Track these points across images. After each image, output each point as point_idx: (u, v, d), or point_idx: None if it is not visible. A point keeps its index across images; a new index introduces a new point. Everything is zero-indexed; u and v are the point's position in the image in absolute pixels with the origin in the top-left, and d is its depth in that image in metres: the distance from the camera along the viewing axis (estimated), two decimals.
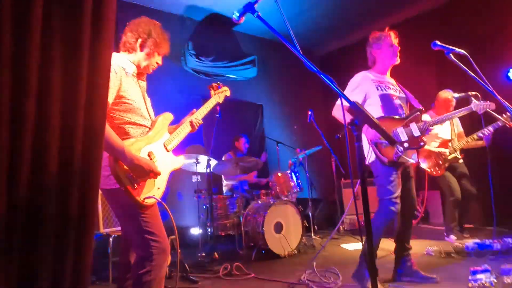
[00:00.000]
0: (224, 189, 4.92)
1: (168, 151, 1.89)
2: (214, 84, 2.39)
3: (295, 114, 6.42)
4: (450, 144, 4.01)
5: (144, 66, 1.86)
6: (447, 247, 3.40)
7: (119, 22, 1.43)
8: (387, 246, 3.41)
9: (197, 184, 4.18)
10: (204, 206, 4.21)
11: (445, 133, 4.09)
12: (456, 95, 3.85)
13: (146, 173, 1.66)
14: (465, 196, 4.00)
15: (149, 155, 1.74)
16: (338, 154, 5.10)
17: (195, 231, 4.54)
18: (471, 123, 4.19)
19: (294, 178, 4.25)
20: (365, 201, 1.25)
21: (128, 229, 1.79)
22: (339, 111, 2.63)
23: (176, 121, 2.05)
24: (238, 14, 1.51)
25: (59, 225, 0.94)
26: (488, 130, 3.68)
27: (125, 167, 1.61)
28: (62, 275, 0.94)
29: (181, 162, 1.98)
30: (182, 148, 4.75)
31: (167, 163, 1.86)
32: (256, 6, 1.48)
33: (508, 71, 4.53)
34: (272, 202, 3.88)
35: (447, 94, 4.01)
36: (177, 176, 3.42)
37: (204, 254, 3.82)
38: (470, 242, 3.31)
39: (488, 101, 2.99)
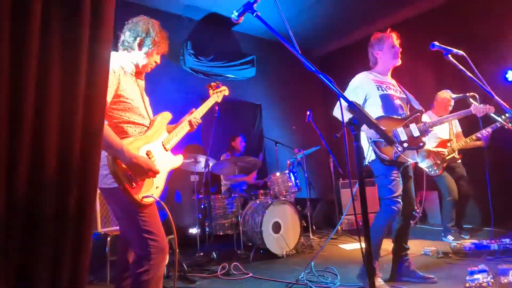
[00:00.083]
0: (223, 189, 4.92)
1: (166, 150, 1.89)
2: (212, 84, 2.39)
3: (294, 114, 6.43)
4: (449, 144, 4.02)
5: (142, 65, 1.85)
6: (444, 247, 3.41)
7: (118, 21, 1.43)
8: (385, 246, 3.40)
9: (196, 183, 4.17)
10: (202, 206, 4.21)
11: (443, 133, 4.10)
12: (454, 96, 3.87)
13: (145, 171, 1.66)
14: (462, 197, 4.02)
15: (147, 154, 1.74)
16: (336, 154, 5.11)
17: (193, 230, 4.54)
18: (469, 123, 4.20)
19: (293, 178, 4.25)
20: (363, 202, 1.25)
21: (127, 228, 1.79)
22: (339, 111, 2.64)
23: (175, 121, 2.05)
24: (237, 14, 1.51)
25: (57, 225, 0.94)
26: (487, 131, 3.70)
27: (124, 166, 1.61)
28: (60, 275, 0.94)
29: (179, 161, 1.98)
30: (181, 147, 4.76)
31: (165, 162, 1.86)
32: (255, 6, 1.48)
33: (506, 73, 4.55)
34: (270, 202, 3.88)
35: (446, 95, 4.03)
36: (175, 175, 3.41)
37: (202, 253, 3.83)
38: (468, 242, 3.32)
39: (487, 105, 3.00)
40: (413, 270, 2.64)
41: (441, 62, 2.16)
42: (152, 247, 1.66)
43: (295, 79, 6.64)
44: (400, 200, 2.49)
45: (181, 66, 5.35)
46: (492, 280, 2.25)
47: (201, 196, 4.24)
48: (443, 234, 4.07)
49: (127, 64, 1.81)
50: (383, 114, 2.56)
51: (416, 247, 3.52)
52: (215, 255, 3.73)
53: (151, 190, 1.72)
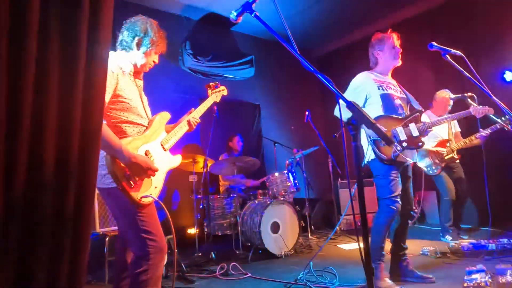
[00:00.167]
0: (221, 189, 4.92)
1: (165, 150, 1.89)
2: (211, 84, 2.39)
3: (293, 114, 6.43)
4: (448, 144, 4.03)
5: (141, 65, 1.85)
6: (443, 247, 3.42)
7: (116, 21, 1.42)
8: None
9: (194, 183, 4.17)
10: (201, 206, 4.21)
11: (442, 133, 4.11)
12: (453, 96, 3.89)
13: (144, 171, 1.66)
14: (459, 198, 4.03)
15: (146, 154, 1.74)
16: (335, 154, 5.12)
17: (192, 230, 4.53)
18: (467, 124, 4.22)
19: (291, 178, 4.25)
20: (361, 202, 1.25)
21: (125, 228, 1.78)
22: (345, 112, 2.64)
23: (173, 121, 2.05)
24: (235, 14, 1.51)
25: (55, 225, 0.94)
26: (486, 132, 3.72)
27: (122, 165, 1.61)
28: (58, 275, 0.94)
29: (178, 161, 1.98)
30: (179, 147, 4.75)
31: (164, 162, 1.86)
32: (254, 5, 1.48)
33: (504, 73, 4.56)
34: (269, 202, 3.88)
35: (445, 94, 4.04)
36: (174, 175, 3.41)
37: (200, 253, 3.82)
38: (466, 242, 3.33)
39: (487, 106, 3.01)
40: (412, 270, 2.65)
41: (440, 62, 2.17)
42: (150, 247, 1.66)
43: (294, 79, 6.65)
44: (399, 200, 2.49)
45: (180, 66, 5.34)
46: (490, 280, 2.26)
47: (199, 196, 4.24)
48: (441, 234, 4.08)
49: (126, 64, 1.81)
50: (383, 113, 2.57)
51: (414, 247, 3.52)
52: (213, 255, 3.73)
53: (149, 190, 1.72)
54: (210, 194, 4.35)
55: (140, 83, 1.91)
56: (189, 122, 2.05)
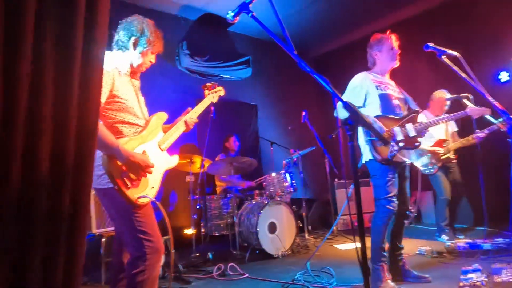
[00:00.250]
0: (218, 189, 4.91)
1: (162, 150, 1.88)
2: (208, 84, 2.39)
3: (290, 114, 6.44)
4: (445, 144, 4.06)
5: (137, 65, 1.84)
6: (439, 247, 3.44)
7: (112, 21, 1.42)
8: None
9: (191, 184, 4.17)
10: (198, 206, 4.20)
11: (439, 133, 4.14)
12: (448, 96, 3.91)
13: (142, 169, 1.66)
14: (454, 197, 4.06)
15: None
16: (331, 154, 5.13)
17: (189, 231, 4.53)
18: (463, 123, 4.24)
19: (288, 179, 4.26)
20: (358, 202, 1.26)
21: (122, 229, 1.78)
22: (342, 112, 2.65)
23: (170, 121, 2.04)
24: (232, 14, 1.51)
25: (50, 225, 0.93)
26: (484, 133, 3.74)
27: (119, 165, 1.60)
28: (53, 276, 0.93)
29: (175, 161, 1.98)
30: (176, 147, 4.74)
31: (161, 162, 1.85)
32: (250, 6, 1.48)
33: (499, 73, 4.60)
34: (266, 203, 3.88)
35: (442, 94, 4.06)
36: (171, 176, 3.40)
37: (197, 254, 3.82)
38: (462, 242, 3.34)
39: (483, 107, 3.02)
40: (408, 270, 2.66)
41: (438, 63, 2.18)
42: (147, 248, 1.65)
43: (291, 79, 6.66)
44: (395, 200, 2.50)
45: (177, 66, 5.33)
46: (485, 279, 2.27)
47: (196, 196, 4.23)
48: (437, 234, 4.10)
49: (122, 64, 1.81)
50: (380, 113, 2.58)
51: (410, 246, 3.54)
52: (210, 256, 3.72)
53: (146, 191, 1.72)
54: (207, 195, 4.35)
55: (137, 83, 1.90)
56: (186, 123, 2.05)
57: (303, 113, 4.64)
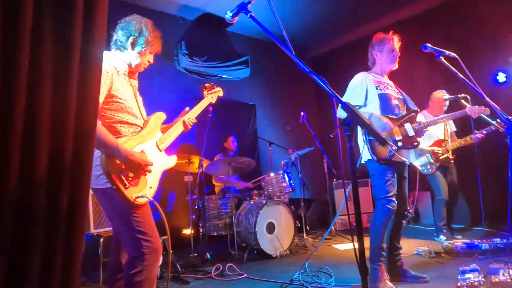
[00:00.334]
0: (216, 189, 4.91)
1: (160, 150, 1.88)
2: (207, 84, 2.39)
3: (288, 114, 6.44)
4: (443, 144, 4.07)
5: (135, 65, 1.84)
6: (437, 247, 3.45)
7: (111, 21, 1.42)
8: None
9: (190, 184, 4.16)
10: (196, 207, 4.20)
11: (438, 133, 4.15)
12: (446, 96, 3.92)
13: (141, 168, 1.66)
14: (451, 198, 4.07)
15: None
16: (330, 154, 5.14)
17: (187, 231, 4.53)
18: (461, 123, 4.26)
19: (287, 179, 4.26)
20: (356, 202, 1.26)
21: (120, 229, 1.78)
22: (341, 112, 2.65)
23: (169, 121, 2.04)
24: (231, 14, 1.51)
25: (48, 225, 0.93)
26: (482, 133, 3.76)
27: (117, 165, 1.60)
28: (51, 276, 0.93)
29: (173, 161, 1.98)
30: (174, 147, 4.74)
31: (159, 162, 1.85)
32: (249, 6, 1.48)
33: (497, 74, 4.61)
34: (264, 203, 3.88)
35: (441, 95, 4.08)
36: (169, 176, 3.40)
37: (196, 254, 3.81)
38: (459, 242, 3.35)
39: (483, 106, 3.03)
40: (406, 270, 2.67)
41: (436, 63, 2.19)
42: (145, 248, 1.65)
43: (290, 79, 6.66)
44: (395, 200, 2.51)
45: (175, 66, 5.33)
46: (483, 279, 2.28)
47: (195, 196, 4.23)
48: (435, 234, 4.11)
49: (120, 64, 1.80)
50: (380, 113, 2.59)
51: (408, 246, 3.55)
52: (209, 256, 3.72)
53: (144, 191, 1.72)
54: (206, 195, 4.34)
55: (135, 83, 1.90)
56: (184, 123, 2.05)
57: (302, 113, 4.65)
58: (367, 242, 2.45)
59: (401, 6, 5.49)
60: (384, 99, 2.62)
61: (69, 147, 0.98)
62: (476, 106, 3.03)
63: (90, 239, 3.16)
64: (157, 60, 1.97)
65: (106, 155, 1.58)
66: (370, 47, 2.76)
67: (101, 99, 1.64)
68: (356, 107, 2.63)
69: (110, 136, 1.59)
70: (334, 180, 5.58)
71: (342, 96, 2.33)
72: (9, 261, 0.87)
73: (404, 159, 2.61)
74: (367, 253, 2.50)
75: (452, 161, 4.15)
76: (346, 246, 4.16)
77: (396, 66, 2.72)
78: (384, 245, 2.56)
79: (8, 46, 0.86)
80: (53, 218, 0.94)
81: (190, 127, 2.08)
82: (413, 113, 2.63)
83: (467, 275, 2.35)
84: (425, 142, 4.06)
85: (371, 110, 2.60)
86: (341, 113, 2.61)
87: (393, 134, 2.52)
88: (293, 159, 4.76)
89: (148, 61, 1.90)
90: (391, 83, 2.80)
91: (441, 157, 4.04)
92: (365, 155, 2.58)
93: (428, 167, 4.08)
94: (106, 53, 1.77)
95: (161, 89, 5.03)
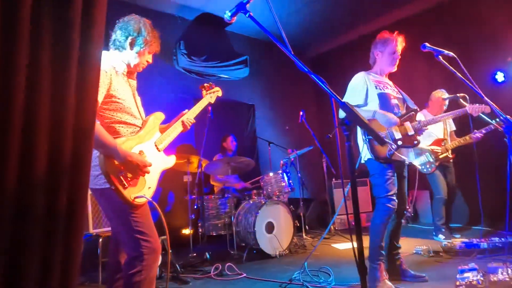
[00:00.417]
0: (216, 189, 4.91)
1: (159, 150, 1.88)
2: (206, 84, 2.38)
3: (287, 114, 6.44)
4: (443, 143, 4.08)
5: (134, 65, 1.84)
6: (435, 246, 3.45)
7: (110, 21, 1.41)
8: None
9: (189, 184, 4.16)
10: (195, 206, 4.20)
11: (438, 132, 4.16)
12: (445, 96, 3.93)
13: (140, 169, 1.66)
14: (449, 197, 4.09)
15: (139, 154, 1.73)
16: (329, 154, 5.14)
17: (186, 231, 4.53)
18: (460, 123, 4.26)
19: (286, 178, 4.26)
20: (355, 202, 1.26)
21: (119, 229, 1.77)
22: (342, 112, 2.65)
23: (168, 121, 2.04)
24: (230, 14, 1.51)
25: (47, 225, 0.93)
26: (481, 132, 3.76)
27: (115, 165, 1.60)
28: (50, 276, 0.93)
29: (172, 161, 1.98)
30: (173, 147, 4.73)
31: (158, 162, 1.85)
32: (248, 6, 1.48)
33: (495, 74, 4.62)
34: (263, 202, 3.88)
35: (441, 94, 4.08)
36: (168, 176, 3.40)
37: (195, 254, 3.81)
38: (458, 241, 3.36)
39: (483, 104, 3.03)
40: (405, 269, 2.67)
41: (435, 62, 2.19)
42: (144, 248, 1.65)
43: (289, 79, 6.66)
44: (395, 198, 2.51)
45: (174, 66, 5.32)
46: (481, 278, 2.28)
47: (194, 196, 4.23)
48: (434, 233, 4.12)
49: (119, 64, 1.80)
50: None
51: (407, 246, 3.55)
52: (208, 256, 3.72)
53: (143, 191, 1.72)
54: (205, 195, 4.34)
55: (134, 83, 1.90)
56: (183, 123, 2.05)
57: (301, 113, 4.65)
58: (366, 241, 2.45)
59: (400, 6, 5.49)
60: (383, 99, 2.63)
61: (68, 147, 0.98)
62: (477, 104, 3.02)
63: (89, 239, 3.15)
64: (156, 60, 1.97)
65: (104, 155, 1.58)
66: (373, 45, 2.75)
67: (100, 98, 1.64)
68: (357, 106, 2.63)
69: (109, 136, 1.59)
70: (333, 179, 5.58)
71: (341, 96, 2.34)
72: (8, 261, 0.87)
73: (403, 157, 2.61)
74: (366, 252, 2.51)
75: (451, 161, 4.16)
76: (345, 245, 4.16)
77: (395, 69, 2.72)
78: (383, 244, 2.57)
79: (7, 46, 0.86)
80: (51, 218, 0.94)
81: (189, 127, 2.08)
82: (413, 112, 2.63)
83: (465, 274, 2.35)
84: (424, 141, 4.07)
85: (372, 108, 2.60)
86: (342, 113, 2.61)
87: (393, 133, 2.52)
88: (292, 159, 4.76)
89: (147, 61, 1.90)
90: (390, 82, 2.80)
91: (441, 156, 4.05)
92: (365, 154, 2.59)
93: (428, 166, 4.09)
94: (104, 53, 1.77)
95: (160, 89, 5.02)
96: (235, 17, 1.52)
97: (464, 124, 3.99)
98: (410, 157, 2.74)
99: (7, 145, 0.85)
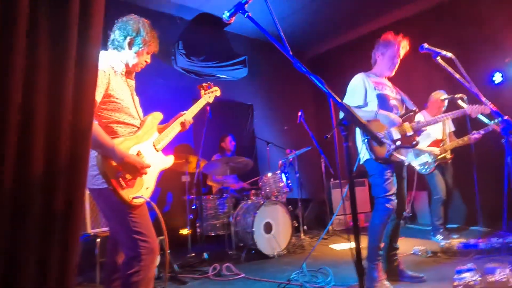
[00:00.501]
0: (214, 189, 4.90)
1: (157, 150, 1.88)
2: (204, 84, 2.38)
3: (285, 114, 6.44)
4: (441, 144, 4.09)
5: (132, 65, 1.84)
6: (433, 246, 3.46)
7: (108, 20, 1.41)
8: None
9: (187, 184, 4.16)
10: (193, 206, 4.19)
11: (437, 133, 4.17)
12: (443, 97, 3.93)
13: (137, 170, 1.65)
14: (447, 198, 4.10)
15: (137, 155, 1.73)
16: (327, 154, 5.14)
17: (185, 231, 4.52)
18: (457, 123, 4.28)
19: (284, 179, 4.26)
20: (352, 202, 1.26)
21: (117, 229, 1.77)
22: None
23: (166, 121, 2.04)
24: (228, 14, 1.51)
25: (44, 225, 0.93)
26: (479, 133, 3.78)
27: (113, 165, 1.60)
28: (46, 275, 0.93)
29: (170, 161, 1.97)
30: (172, 147, 4.73)
31: (156, 162, 1.85)
32: (246, 6, 1.48)
33: (493, 75, 4.63)
34: (262, 203, 3.88)
35: (440, 95, 4.09)
36: (166, 176, 3.39)
37: (193, 254, 3.81)
38: (456, 241, 3.37)
39: (482, 105, 3.03)
40: (403, 270, 2.68)
41: (433, 63, 2.19)
42: (142, 248, 1.65)
43: (287, 79, 6.66)
44: (394, 198, 2.51)
45: (173, 66, 5.32)
46: (479, 279, 2.29)
47: (192, 196, 4.22)
48: (432, 234, 4.13)
49: (117, 64, 1.80)
50: None
51: (405, 246, 3.56)
52: (206, 256, 3.72)
53: (141, 191, 1.71)
54: (203, 195, 4.33)
55: (132, 83, 1.89)
56: (182, 123, 2.04)
57: (299, 113, 4.65)
58: (364, 241, 2.45)
59: (398, 7, 5.51)
60: (382, 100, 2.63)
61: (65, 147, 0.97)
62: (476, 105, 3.03)
63: (87, 239, 3.14)
64: (154, 59, 1.97)
65: (102, 155, 1.58)
66: (376, 45, 2.74)
67: (99, 98, 1.64)
68: (358, 107, 2.63)
69: (107, 137, 1.59)
70: (332, 180, 5.59)
71: (340, 97, 2.33)
72: (5, 261, 0.87)
73: (402, 158, 2.61)
74: (365, 252, 2.51)
75: (449, 161, 4.17)
76: (343, 245, 4.16)
77: (392, 74, 2.73)
78: (382, 245, 2.57)
79: (4, 46, 0.85)
80: (49, 218, 0.94)
81: (187, 127, 2.07)
82: (412, 113, 2.64)
83: (463, 275, 2.36)
84: (423, 142, 4.08)
85: (373, 109, 2.61)
86: (342, 113, 2.61)
87: (392, 133, 2.53)
88: (291, 159, 4.76)
89: (145, 61, 1.89)
90: (389, 83, 2.81)
91: (439, 157, 4.06)
92: (364, 154, 2.59)
93: (427, 166, 4.10)
94: (103, 53, 1.77)
95: (159, 89, 5.02)
96: (233, 17, 1.52)
97: (461, 125, 4.01)
98: (409, 158, 2.74)
99: (4, 145, 0.85)
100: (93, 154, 1.59)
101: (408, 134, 2.53)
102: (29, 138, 0.90)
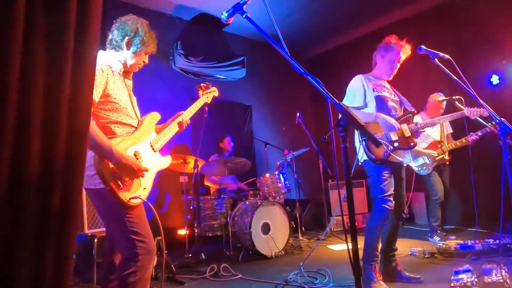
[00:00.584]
0: (212, 190, 4.90)
1: (154, 151, 1.87)
2: (202, 84, 2.38)
3: (284, 115, 6.45)
4: (439, 146, 4.10)
5: (130, 65, 1.83)
6: (431, 247, 3.47)
7: (107, 20, 1.41)
8: None
9: (185, 184, 4.15)
10: (191, 207, 4.19)
11: (435, 134, 4.18)
12: (441, 98, 3.95)
13: (134, 171, 1.65)
14: (444, 199, 4.12)
15: (135, 155, 1.72)
16: (325, 155, 5.15)
17: (182, 231, 4.51)
18: (455, 125, 4.29)
19: (282, 179, 4.26)
20: (350, 203, 1.26)
21: (113, 230, 1.76)
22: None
23: (164, 121, 2.04)
24: (227, 15, 1.51)
25: (40, 225, 0.92)
26: (477, 135, 3.80)
27: (111, 166, 1.59)
28: (42, 275, 0.92)
29: (168, 162, 1.97)
30: (169, 147, 4.72)
31: (153, 163, 1.84)
32: (245, 7, 1.48)
33: (491, 76, 4.65)
34: (259, 203, 3.88)
35: (438, 97, 4.11)
36: (164, 176, 3.39)
37: (190, 255, 3.80)
38: (453, 243, 3.38)
39: (481, 108, 3.03)
40: (400, 271, 2.68)
41: (431, 65, 2.20)
42: (139, 249, 1.64)
43: (285, 80, 6.67)
44: (392, 199, 2.52)
45: (171, 66, 5.31)
46: (476, 280, 2.30)
47: (190, 197, 4.22)
48: (429, 235, 4.14)
49: (115, 64, 1.79)
50: None
51: (403, 247, 3.56)
52: (203, 256, 3.71)
53: (138, 191, 1.71)
54: (201, 195, 4.33)
55: (130, 83, 1.89)
56: (179, 123, 2.04)
57: (298, 114, 4.65)
58: (361, 243, 2.45)
59: (396, 8, 5.52)
60: (380, 101, 2.64)
61: (62, 146, 0.97)
62: (475, 108, 3.04)
63: (84, 240, 3.14)
64: (152, 60, 1.96)
65: (99, 156, 1.57)
66: (377, 47, 2.74)
67: (97, 98, 1.63)
68: (358, 108, 2.64)
69: (104, 137, 1.58)
70: (330, 180, 5.59)
71: (338, 97, 2.34)
72: (1, 261, 0.87)
73: (400, 159, 2.62)
74: (361, 254, 2.52)
75: (447, 163, 4.18)
76: (341, 246, 4.17)
77: (390, 78, 2.73)
78: (379, 245, 2.57)
79: (0, 45, 0.85)
80: (45, 218, 0.94)
81: (185, 127, 2.07)
82: (410, 114, 2.65)
83: (460, 276, 2.36)
84: (421, 144, 4.09)
85: (370, 111, 2.61)
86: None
87: (390, 134, 2.53)
88: (289, 160, 4.77)
89: (143, 62, 1.89)
90: (388, 85, 2.82)
91: (437, 158, 4.08)
92: (362, 155, 2.59)
93: (425, 168, 4.12)
94: (101, 53, 1.76)
95: (157, 89, 5.01)
96: (232, 18, 1.51)
97: (459, 127, 4.02)
98: (407, 159, 2.75)
99: (0, 144, 0.85)
100: (90, 154, 1.58)
101: (406, 135, 2.54)
102: (25, 137, 0.90)
